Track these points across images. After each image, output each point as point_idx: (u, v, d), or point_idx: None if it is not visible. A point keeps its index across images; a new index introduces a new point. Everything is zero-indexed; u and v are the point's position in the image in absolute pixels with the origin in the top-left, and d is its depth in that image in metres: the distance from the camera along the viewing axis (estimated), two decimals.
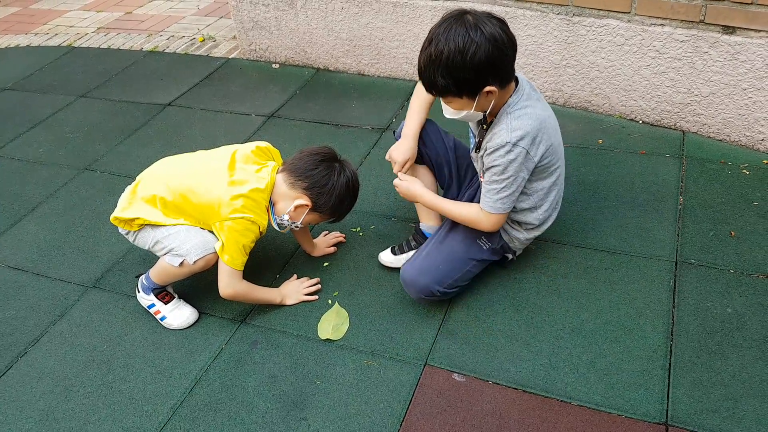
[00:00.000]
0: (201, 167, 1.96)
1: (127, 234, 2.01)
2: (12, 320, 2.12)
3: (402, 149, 1.99)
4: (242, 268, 1.92)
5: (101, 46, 4.13)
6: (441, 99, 1.74)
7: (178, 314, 2.01)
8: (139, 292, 2.05)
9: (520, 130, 1.70)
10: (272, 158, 2.05)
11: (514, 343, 1.85)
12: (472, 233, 1.92)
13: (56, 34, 4.44)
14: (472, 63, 1.57)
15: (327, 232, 2.31)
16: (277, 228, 2.01)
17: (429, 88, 1.70)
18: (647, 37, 2.55)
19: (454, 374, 1.78)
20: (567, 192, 2.38)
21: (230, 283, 1.92)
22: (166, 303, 2.01)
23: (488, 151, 1.75)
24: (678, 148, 2.60)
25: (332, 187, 1.90)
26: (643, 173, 2.46)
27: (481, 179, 1.85)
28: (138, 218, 1.92)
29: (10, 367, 1.95)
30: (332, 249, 2.25)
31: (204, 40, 4.03)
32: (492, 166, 1.74)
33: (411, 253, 2.12)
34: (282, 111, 3.17)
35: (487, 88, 1.63)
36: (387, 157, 2.03)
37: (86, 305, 2.15)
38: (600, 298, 1.96)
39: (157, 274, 1.98)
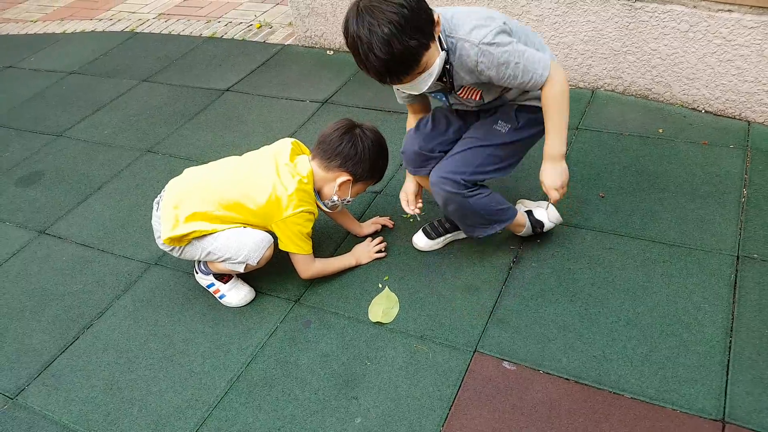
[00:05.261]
0: (249, 174, 1.96)
1: (171, 250, 2.01)
2: (79, 294, 2.23)
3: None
4: (312, 251, 2.03)
5: (162, 32, 4.25)
6: (403, 83, 1.64)
7: (236, 293, 2.08)
8: (197, 273, 2.12)
9: (475, 29, 1.59)
10: (303, 152, 2.09)
11: (567, 334, 1.83)
12: (487, 122, 1.88)
13: (119, 20, 4.59)
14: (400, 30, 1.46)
15: (379, 216, 2.35)
16: (327, 210, 2.09)
17: (402, 73, 1.58)
18: (713, 23, 2.46)
19: (504, 362, 1.79)
20: (625, 182, 2.34)
21: (307, 268, 2.05)
22: (224, 282, 2.08)
23: (474, 67, 1.64)
24: (743, 138, 2.50)
25: (362, 153, 1.95)
26: (704, 164, 2.39)
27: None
28: (193, 232, 1.92)
29: (77, 338, 2.06)
30: (378, 226, 2.30)
31: (261, 26, 4.09)
32: (497, 67, 1.62)
33: (445, 236, 2.17)
34: (336, 97, 3.20)
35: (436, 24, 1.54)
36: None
37: (149, 281, 2.24)
38: (657, 291, 1.92)
39: (216, 269, 2.04)
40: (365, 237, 2.27)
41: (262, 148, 2.07)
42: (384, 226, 2.31)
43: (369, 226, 2.29)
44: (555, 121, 1.72)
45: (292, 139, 2.06)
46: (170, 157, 2.91)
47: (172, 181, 2.05)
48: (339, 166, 1.95)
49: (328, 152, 1.95)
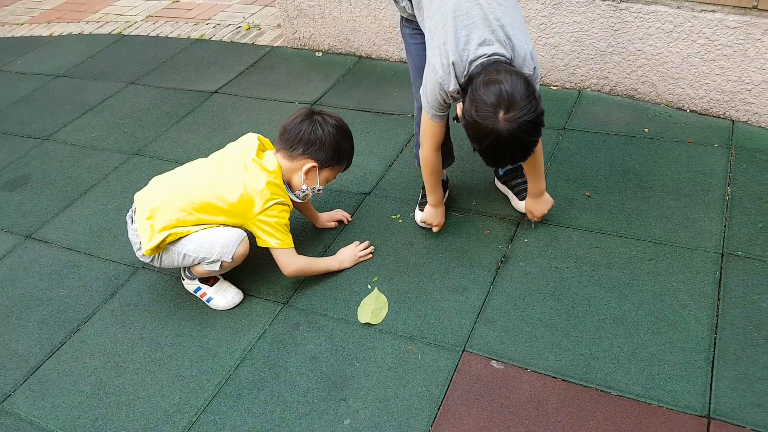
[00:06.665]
0: (218, 175, 1.97)
1: (151, 260, 2.00)
2: (66, 298, 2.22)
3: (439, 217, 2.22)
4: (293, 245, 2.03)
5: (150, 34, 4.24)
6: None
7: (223, 295, 2.07)
8: (184, 279, 2.12)
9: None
10: (267, 148, 2.10)
11: (554, 333, 1.84)
12: None
13: (107, 23, 4.57)
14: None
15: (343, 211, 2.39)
16: (300, 201, 2.11)
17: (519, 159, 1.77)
18: (697, 23, 2.49)
19: (493, 361, 1.79)
20: (611, 181, 2.36)
21: (290, 262, 2.03)
22: (211, 285, 2.08)
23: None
24: (727, 137, 2.53)
25: (324, 138, 1.97)
26: (689, 163, 2.41)
27: None
28: (167, 237, 1.92)
29: (64, 343, 2.05)
30: (333, 224, 2.34)
31: (249, 28, 4.08)
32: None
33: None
34: (325, 99, 3.20)
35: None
36: (422, 222, 2.25)
37: (136, 285, 2.23)
38: (643, 289, 1.93)
39: (198, 273, 2.05)
40: (352, 240, 2.27)
41: (227, 146, 2.07)
42: (340, 222, 2.35)
43: (324, 220, 2.33)
44: (540, 164, 2.06)
45: (257, 135, 2.07)
46: (158, 159, 2.90)
47: (139, 194, 2.03)
48: (302, 153, 1.97)
49: (290, 141, 1.97)
